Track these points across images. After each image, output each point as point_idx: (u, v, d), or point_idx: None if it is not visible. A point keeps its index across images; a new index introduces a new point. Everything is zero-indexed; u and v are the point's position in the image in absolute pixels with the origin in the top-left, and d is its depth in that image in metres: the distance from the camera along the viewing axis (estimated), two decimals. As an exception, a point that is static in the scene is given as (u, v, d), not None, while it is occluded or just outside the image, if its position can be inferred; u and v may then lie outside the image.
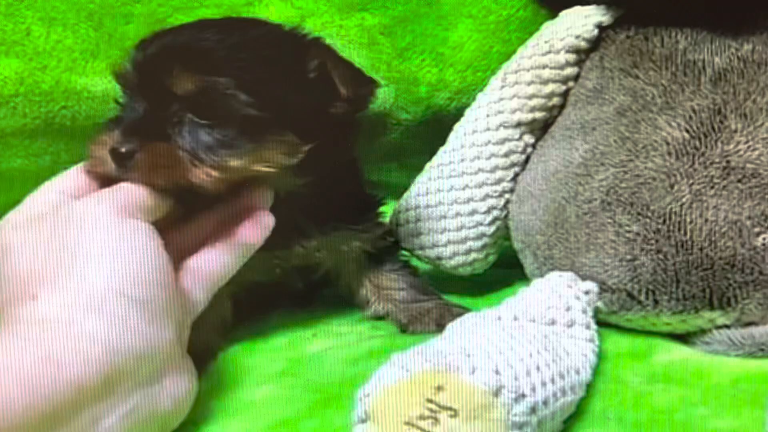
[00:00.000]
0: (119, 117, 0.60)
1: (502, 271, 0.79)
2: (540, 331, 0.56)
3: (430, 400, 0.43)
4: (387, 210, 0.77)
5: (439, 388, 0.43)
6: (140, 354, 0.47)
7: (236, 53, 0.59)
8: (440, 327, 0.61)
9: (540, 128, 0.73)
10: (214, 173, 0.57)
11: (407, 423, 0.43)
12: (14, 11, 0.79)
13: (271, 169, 0.59)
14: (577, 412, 0.52)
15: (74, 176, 0.57)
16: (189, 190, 0.57)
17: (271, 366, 0.62)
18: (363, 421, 0.45)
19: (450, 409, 0.43)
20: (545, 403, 0.47)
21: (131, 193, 0.54)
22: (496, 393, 0.44)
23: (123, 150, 0.56)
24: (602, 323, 0.64)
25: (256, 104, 0.57)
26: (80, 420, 0.43)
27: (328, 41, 0.66)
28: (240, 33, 0.61)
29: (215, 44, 0.59)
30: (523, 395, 0.45)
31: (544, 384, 0.47)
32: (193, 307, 0.55)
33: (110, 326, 0.46)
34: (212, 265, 0.56)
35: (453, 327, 0.55)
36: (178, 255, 0.55)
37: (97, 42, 0.80)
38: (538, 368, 0.48)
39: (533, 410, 0.45)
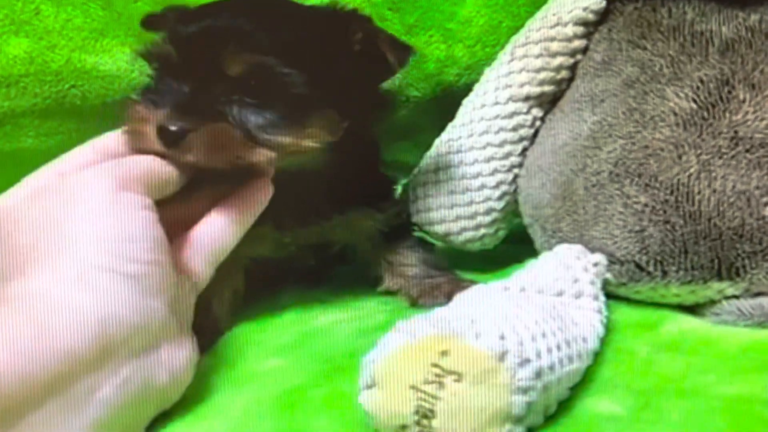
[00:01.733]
0: (154, 93, 0.59)
1: (512, 246, 0.79)
2: (548, 301, 0.56)
3: (435, 365, 0.43)
4: (398, 188, 0.77)
5: (444, 353, 0.44)
6: (132, 325, 0.47)
7: (282, 33, 0.59)
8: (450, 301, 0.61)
9: (549, 102, 0.73)
10: (269, 152, 0.57)
11: (412, 387, 0.43)
12: (24, -9, 0.79)
13: (317, 146, 0.60)
14: (584, 379, 0.52)
15: (114, 139, 0.57)
16: (243, 169, 0.57)
17: (280, 339, 0.63)
18: (369, 386, 0.45)
19: (455, 373, 0.43)
20: (551, 368, 0.47)
21: (140, 166, 0.54)
22: (501, 357, 0.44)
23: (174, 128, 0.55)
24: (611, 295, 0.64)
25: (306, 82, 0.58)
26: (75, 390, 0.44)
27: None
28: (282, 12, 0.62)
29: (261, 25, 0.59)
30: (528, 360, 0.45)
31: (549, 350, 0.47)
32: (197, 278, 0.55)
33: (100, 300, 0.46)
34: (213, 236, 0.56)
35: (460, 297, 0.55)
36: (179, 227, 0.56)
37: (106, 21, 0.80)
38: (543, 335, 0.48)
39: (538, 375, 0.45)
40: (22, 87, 0.80)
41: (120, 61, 0.79)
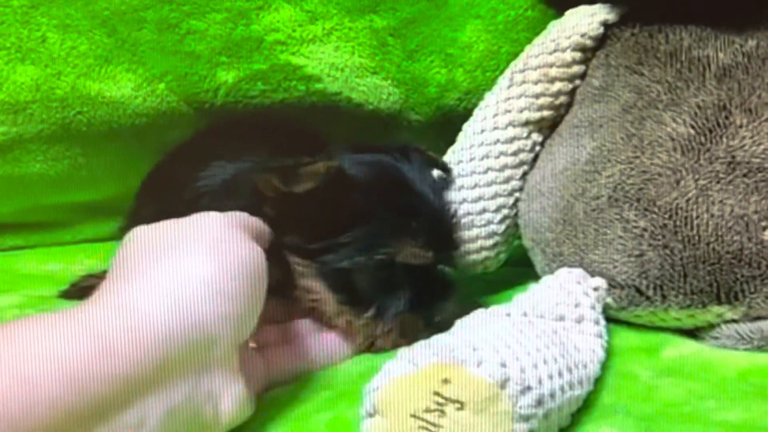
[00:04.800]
0: None
1: (513, 269, 0.79)
2: (549, 326, 0.57)
3: (436, 393, 0.44)
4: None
5: (446, 381, 0.44)
6: (193, 341, 0.45)
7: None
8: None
9: (548, 126, 0.74)
10: None
11: (414, 416, 0.44)
12: (30, 19, 0.80)
13: None
14: (586, 405, 0.53)
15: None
16: None
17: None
18: (371, 414, 0.46)
19: (457, 401, 0.44)
20: (552, 395, 0.47)
21: (250, 220, 0.55)
22: (503, 385, 0.44)
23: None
24: (612, 319, 0.64)
25: None
26: (125, 418, 0.41)
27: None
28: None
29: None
30: (530, 387, 0.45)
31: (551, 377, 0.48)
32: (296, 359, 0.58)
33: (170, 309, 0.44)
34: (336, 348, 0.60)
35: (461, 322, 0.56)
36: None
37: (111, 48, 0.81)
38: (545, 361, 0.49)
39: (539, 403, 0.46)
40: (29, 113, 0.81)
41: (125, 87, 0.80)
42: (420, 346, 0.48)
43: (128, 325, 0.43)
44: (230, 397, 0.48)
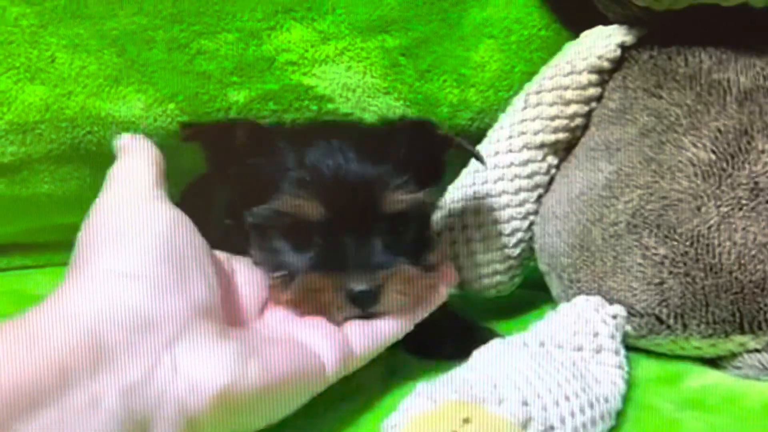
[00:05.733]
0: (295, 255, 0.57)
1: (528, 291, 0.78)
2: (568, 357, 0.56)
3: (457, 433, 0.43)
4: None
5: (466, 420, 0.43)
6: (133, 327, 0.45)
7: (401, 156, 0.59)
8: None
9: (563, 149, 0.73)
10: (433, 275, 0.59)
11: (434, 456, 0.43)
12: (39, 39, 0.79)
13: None
14: (607, 440, 0.52)
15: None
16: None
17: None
18: (390, 453, 0.45)
19: (477, 442, 0.43)
20: (574, 434, 0.46)
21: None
22: (525, 425, 0.43)
23: (365, 288, 0.54)
24: (630, 347, 0.63)
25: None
26: (73, 400, 0.41)
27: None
28: (373, 135, 0.63)
29: (382, 156, 0.58)
30: (552, 427, 0.44)
31: (573, 414, 0.47)
32: (354, 357, 0.54)
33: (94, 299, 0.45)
34: (387, 328, 0.56)
35: (479, 355, 0.55)
36: None
37: (120, 68, 0.80)
38: (567, 398, 0.48)
39: (562, 442, 0.45)
40: (37, 134, 0.80)
41: (135, 108, 0.79)
42: (439, 381, 0.47)
43: (58, 314, 0.44)
44: (208, 368, 0.46)
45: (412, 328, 0.58)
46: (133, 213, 0.51)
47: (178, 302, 0.47)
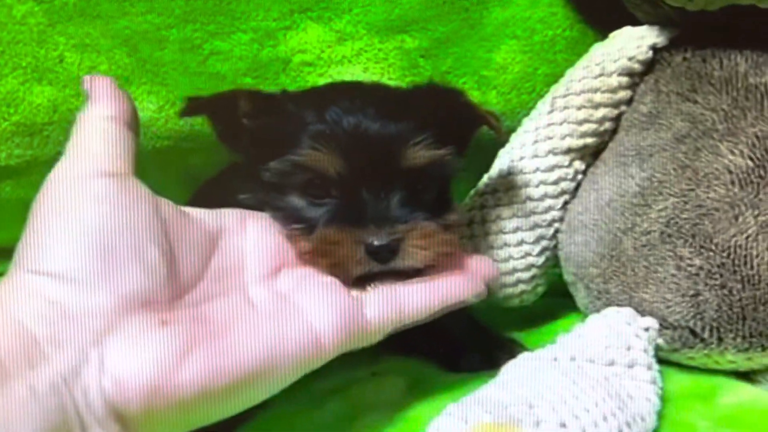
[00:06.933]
0: (312, 209, 0.56)
1: (551, 300, 0.76)
2: (600, 373, 0.53)
3: (492, 458, 0.41)
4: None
5: (502, 444, 0.41)
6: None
7: (423, 117, 0.57)
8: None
9: (591, 154, 0.70)
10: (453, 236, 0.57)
11: (468, 482, 0.40)
12: (47, 38, 0.77)
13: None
14: (644, 462, 0.49)
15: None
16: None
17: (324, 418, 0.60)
18: (420, 476, 0.42)
19: (515, 467, 0.40)
20: (614, 457, 0.44)
21: None
22: (564, 449, 0.41)
23: (384, 242, 0.53)
24: (662, 360, 0.61)
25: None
26: (16, 387, 0.41)
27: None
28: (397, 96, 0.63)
29: (404, 114, 0.57)
30: (593, 451, 0.42)
31: (611, 436, 0.44)
32: (366, 326, 0.51)
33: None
34: (410, 299, 0.53)
35: (508, 371, 0.52)
36: None
37: (132, 68, 0.78)
38: (605, 418, 0.45)
39: (602, 466, 0.42)
40: (45, 136, 0.78)
41: (146, 109, 0.77)
42: (470, 401, 0.45)
43: None
44: (140, 359, 0.44)
45: (437, 308, 0.54)
46: (66, 200, 0.50)
47: (105, 298, 0.45)
